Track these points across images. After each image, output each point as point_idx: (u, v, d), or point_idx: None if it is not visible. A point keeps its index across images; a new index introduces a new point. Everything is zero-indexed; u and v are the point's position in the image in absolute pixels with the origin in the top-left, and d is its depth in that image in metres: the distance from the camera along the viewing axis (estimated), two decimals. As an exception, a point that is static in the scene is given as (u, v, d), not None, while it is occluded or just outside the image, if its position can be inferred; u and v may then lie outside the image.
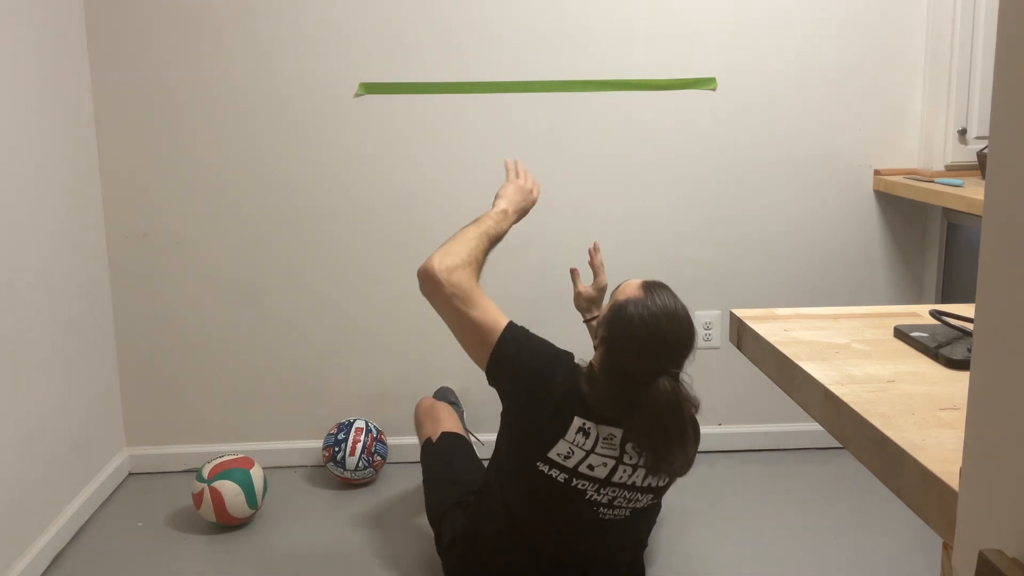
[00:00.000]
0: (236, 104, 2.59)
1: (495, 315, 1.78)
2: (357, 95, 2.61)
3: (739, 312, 1.20)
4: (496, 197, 2.02)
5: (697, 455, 2.75)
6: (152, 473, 2.72)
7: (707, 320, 2.78)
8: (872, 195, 2.75)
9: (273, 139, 2.62)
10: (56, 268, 2.32)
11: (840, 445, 0.87)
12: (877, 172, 2.72)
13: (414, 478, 2.56)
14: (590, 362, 1.77)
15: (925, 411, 0.82)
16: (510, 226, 1.97)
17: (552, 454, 1.72)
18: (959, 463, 0.59)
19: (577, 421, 1.71)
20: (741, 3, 2.62)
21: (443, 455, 2.19)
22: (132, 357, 2.69)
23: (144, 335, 2.68)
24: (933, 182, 2.47)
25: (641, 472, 1.75)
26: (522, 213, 2.03)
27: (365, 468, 2.57)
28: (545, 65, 2.62)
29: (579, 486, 1.74)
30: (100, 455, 2.57)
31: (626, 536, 1.88)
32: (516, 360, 1.76)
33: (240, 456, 2.40)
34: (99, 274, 2.59)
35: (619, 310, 1.69)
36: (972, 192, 2.26)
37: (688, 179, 2.71)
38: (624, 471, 1.74)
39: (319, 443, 2.69)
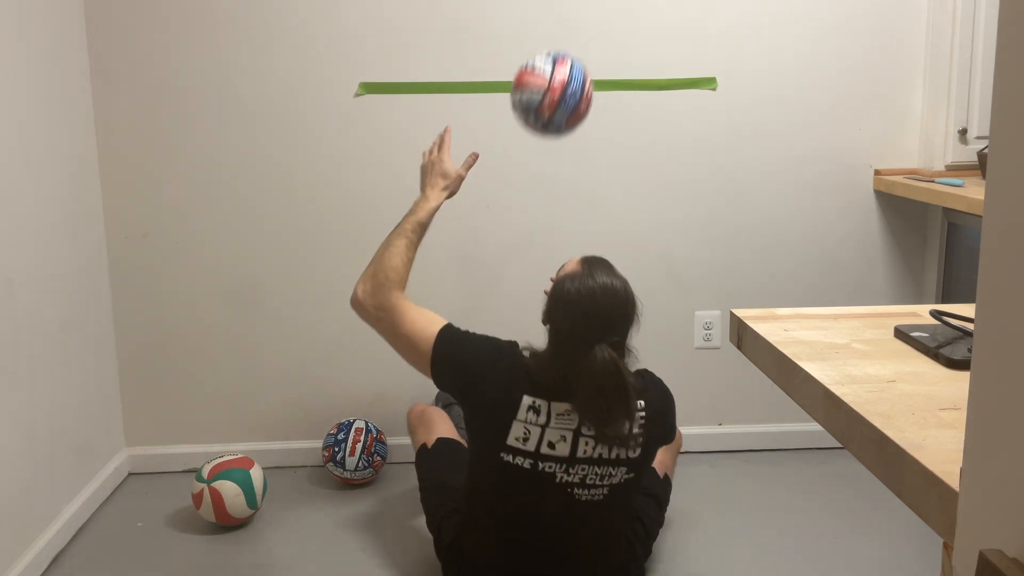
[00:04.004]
0: (236, 104, 2.59)
1: (426, 324, 1.86)
2: (357, 95, 2.61)
3: (739, 312, 1.20)
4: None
5: (698, 455, 2.77)
6: (152, 473, 2.72)
7: (707, 320, 2.78)
8: (872, 195, 2.75)
9: (273, 139, 2.62)
10: (56, 268, 2.32)
11: (840, 445, 0.87)
12: (877, 172, 2.72)
13: (414, 478, 2.55)
14: (537, 346, 1.84)
15: (925, 411, 0.82)
16: (434, 207, 2.01)
17: (511, 440, 1.76)
18: (959, 463, 0.59)
19: (526, 399, 1.75)
20: (742, 3, 2.62)
21: (438, 461, 2.19)
22: (132, 357, 2.69)
23: (144, 335, 2.68)
24: (933, 182, 2.46)
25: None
26: (447, 190, 2.05)
27: (365, 468, 2.57)
28: (545, 65, 2.62)
29: (547, 469, 1.76)
30: (100, 455, 2.57)
31: (612, 520, 1.88)
32: (455, 358, 1.83)
33: (240, 456, 2.40)
34: (99, 274, 2.59)
35: (558, 287, 1.78)
36: (972, 192, 2.26)
37: (688, 179, 2.71)
38: (586, 443, 1.77)
39: (319, 443, 2.69)
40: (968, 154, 2.56)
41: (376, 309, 1.88)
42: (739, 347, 1.20)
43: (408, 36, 2.59)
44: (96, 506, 2.48)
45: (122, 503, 2.55)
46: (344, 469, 2.56)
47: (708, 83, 2.65)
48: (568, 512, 1.81)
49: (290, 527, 2.39)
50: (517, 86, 1.92)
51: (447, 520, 2.01)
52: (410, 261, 1.97)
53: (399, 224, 2.00)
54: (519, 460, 1.76)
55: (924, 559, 2.17)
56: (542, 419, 1.75)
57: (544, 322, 1.82)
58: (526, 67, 1.92)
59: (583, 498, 1.79)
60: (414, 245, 1.98)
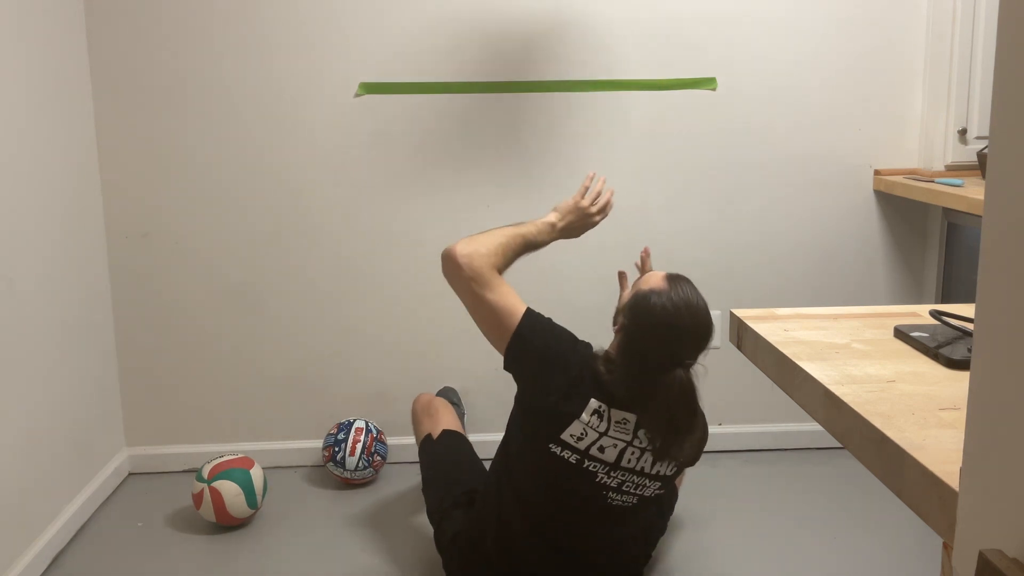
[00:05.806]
0: (236, 104, 2.59)
1: (514, 300, 1.83)
2: (357, 95, 2.61)
3: (739, 312, 1.20)
4: (552, 209, 2.03)
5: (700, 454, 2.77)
6: (152, 473, 2.72)
7: (707, 320, 2.78)
8: (872, 195, 2.75)
9: (273, 139, 2.62)
10: (56, 268, 2.32)
11: (840, 445, 0.87)
12: (877, 172, 2.72)
13: (414, 478, 2.56)
14: (607, 349, 1.81)
15: (925, 411, 0.82)
16: (551, 240, 2.00)
17: (566, 435, 1.75)
18: (959, 463, 0.59)
19: (593, 403, 1.74)
20: (741, 3, 2.62)
21: (443, 453, 2.19)
22: (132, 357, 2.69)
23: (144, 335, 2.68)
24: (933, 182, 2.46)
25: (648, 457, 1.78)
26: (571, 233, 2.03)
27: (365, 468, 2.57)
28: (545, 65, 2.62)
29: (590, 468, 1.77)
30: (100, 455, 2.57)
31: (633, 526, 1.90)
32: (534, 343, 1.80)
33: (240, 456, 2.40)
34: (99, 274, 2.59)
35: (642, 299, 1.73)
36: (972, 192, 2.26)
37: (688, 179, 2.71)
38: (632, 454, 1.77)
39: (319, 443, 2.69)
40: (968, 154, 2.56)
41: (470, 268, 1.81)
42: (739, 347, 1.20)
43: (408, 36, 2.59)
44: (96, 506, 2.48)
45: (122, 503, 2.54)
46: (344, 469, 2.56)
47: (708, 83, 2.65)
48: (595, 513, 1.82)
49: (290, 527, 2.39)
50: None
51: (448, 514, 2.01)
52: (511, 262, 1.92)
53: (520, 227, 1.94)
54: (566, 454, 1.76)
55: (924, 559, 2.17)
56: (603, 426, 1.74)
57: (616, 330, 1.79)
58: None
59: (615, 503, 1.81)
60: (517, 257, 1.94)
